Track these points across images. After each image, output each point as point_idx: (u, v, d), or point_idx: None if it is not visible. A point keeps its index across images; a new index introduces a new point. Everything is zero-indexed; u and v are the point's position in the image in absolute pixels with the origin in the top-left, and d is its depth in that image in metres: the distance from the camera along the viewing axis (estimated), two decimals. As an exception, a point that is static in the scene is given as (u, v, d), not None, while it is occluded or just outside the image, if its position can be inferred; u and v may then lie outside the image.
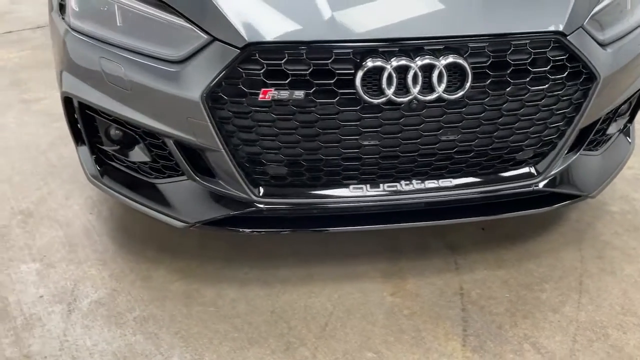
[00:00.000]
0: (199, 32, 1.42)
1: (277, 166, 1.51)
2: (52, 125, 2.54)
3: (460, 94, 1.43)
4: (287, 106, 1.41)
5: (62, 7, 1.67)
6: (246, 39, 1.37)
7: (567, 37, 1.48)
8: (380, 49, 1.40)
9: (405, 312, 1.60)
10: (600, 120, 1.71)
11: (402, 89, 1.41)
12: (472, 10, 1.46)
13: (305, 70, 1.39)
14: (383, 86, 1.39)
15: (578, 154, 1.71)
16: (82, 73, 1.58)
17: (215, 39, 1.40)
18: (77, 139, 1.74)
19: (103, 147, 1.70)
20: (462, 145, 1.53)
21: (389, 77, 1.39)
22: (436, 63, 1.40)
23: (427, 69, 1.40)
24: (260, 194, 1.54)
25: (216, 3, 1.42)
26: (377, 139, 1.48)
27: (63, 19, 1.64)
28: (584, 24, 1.53)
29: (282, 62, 1.38)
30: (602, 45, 1.58)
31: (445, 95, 1.42)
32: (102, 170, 1.71)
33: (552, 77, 1.49)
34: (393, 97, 1.40)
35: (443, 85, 1.41)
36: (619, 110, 1.82)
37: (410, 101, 1.42)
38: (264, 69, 1.38)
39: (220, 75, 1.38)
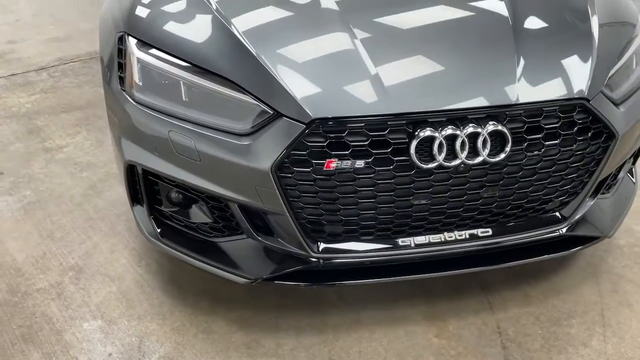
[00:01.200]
0: (265, 107, 1.55)
1: (335, 225, 1.64)
2: (80, 175, 2.62)
3: (502, 157, 1.59)
4: (349, 174, 1.55)
5: (121, 80, 1.77)
6: (311, 115, 1.51)
7: (590, 102, 1.66)
8: (429, 119, 1.55)
9: (452, 353, 1.75)
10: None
11: (451, 154, 1.56)
12: (509, 81, 1.62)
13: (365, 142, 1.53)
14: (434, 153, 1.54)
15: (596, 198, 1.89)
16: (147, 143, 1.68)
17: (281, 114, 1.53)
18: (134, 200, 1.84)
19: (162, 209, 1.80)
20: (501, 200, 1.69)
21: (440, 145, 1.54)
22: (480, 131, 1.56)
23: (473, 136, 1.56)
24: (319, 250, 1.67)
25: (281, 81, 1.55)
26: (427, 199, 1.63)
27: (124, 90, 1.74)
28: (602, 89, 1.72)
29: (344, 134, 1.52)
30: (617, 104, 1.77)
31: (489, 159, 1.58)
32: (161, 230, 1.81)
33: (579, 137, 1.67)
34: (443, 162, 1.55)
35: (487, 150, 1.57)
36: (627, 156, 2.02)
37: (458, 165, 1.57)
38: (327, 141, 1.52)
39: (288, 148, 1.51)
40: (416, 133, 1.53)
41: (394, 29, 1.74)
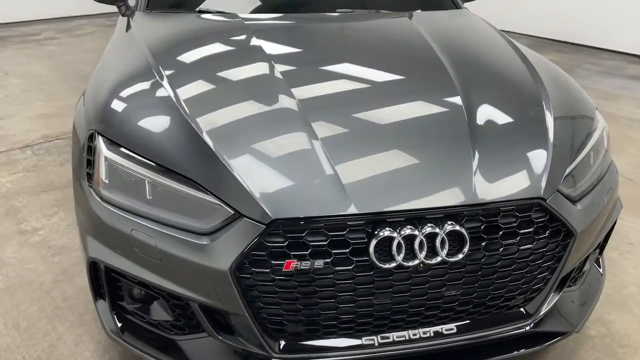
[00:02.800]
0: (226, 207, 1.57)
1: (296, 325, 1.63)
2: (52, 260, 2.61)
3: (461, 256, 1.60)
4: (308, 274, 1.55)
5: (89, 176, 1.80)
6: (271, 215, 1.53)
7: (546, 201, 1.70)
8: (388, 220, 1.58)
9: None
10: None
11: (410, 254, 1.58)
12: (465, 181, 1.66)
13: (324, 242, 1.54)
14: (393, 253, 1.56)
15: (561, 293, 1.90)
16: (110, 241, 1.69)
17: (241, 214, 1.55)
18: (97, 295, 1.83)
19: (124, 304, 1.79)
20: (462, 298, 1.69)
21: (399, 245, 1.56)
22: (438, 231, 1.58)
23: (431, 236, 1.58)
24: (279, 350, 1.65)
25: (242, 182, 1.58)
26: (388, 298, 1.63)
27: (91, 187, 1.77)
28: (558, 187, 1.76)
29: (303, 234, 1.54)
30: (574, 201, 1.81)
31: (448, 259, 1.60)
32: (122, 325, 1.79)
33: (537, 236, 1.69)
34: (402, 262, 1.57)
35: (445, 250, 1.59)
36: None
37: (418, 265, 1.59)
38: (287, 242, 1.54)
39: (248, 249, 1.52)
40: (375, 233, 1.55)
41: (353, 128, 1.80)
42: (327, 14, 2.71)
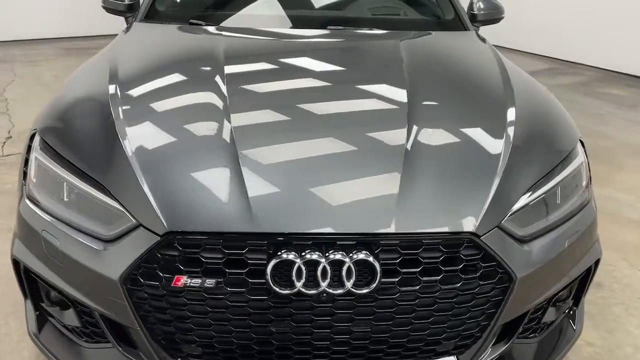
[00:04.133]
0: (129, 215, 1.53)
1: (190, 346, 1.55)
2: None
3: (369, 289, 1.46)
4: (199, 292, 1.47)
5: (25, 174, 1.82)
6: (166, 227, 1.47)
7: (481, 238, 1.52)
8: (293, 242, 1.47)
9: None
10: (532, 311, 1.70)
11: (312, 281, 1.46)
12: (386, 208, 1.52)
13: (220, 260, 1.46)
14: (293, 278, 1.45)
15: (510, 343, 1.69)
16: (28, 241, 1.70)
17: (140, 224, 1.51)
18: (25, 294, 1.83)
19: (43, 306, 1.78)
20: (375, 336, 1.54)
21: (299, 270, 1.45)
22: (345, 260, 1.45)
23: (337, 264, 1.46)
24: None
25: (146, 190, 1.54)
26: (288, 327, 1.51)
27: (24, 185, 1.79)
28: (501, 223, 1.57)
29: (199, 250, 1.47)
30: (523, 241, 1.61)
31: (354, 290, 1.46)
32: (42, 327, 1.78)
33: (465, 276, 1.52)
34: (302, 289, 1.45)
35: (352, 281, 1.45)
36: (557, 297, 1.81)
37: (320, 294, 1.46)
38: (180, 256, 1.47)
39: (139, 259, 1.47)
40: (275, 256, 1.45)
41: (277, 148, 1.71)
42: (315, 31, 2.64)
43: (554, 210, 1.72)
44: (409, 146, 1.69)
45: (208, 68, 2.14)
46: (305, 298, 1.48)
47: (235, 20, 2.73)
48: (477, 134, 1.82)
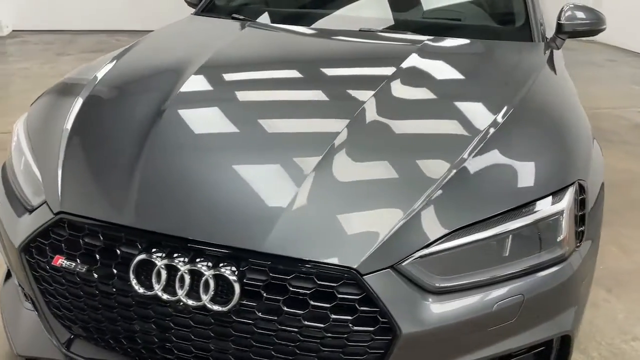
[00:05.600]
0: (43, 190, 1.61)
1: (73, 324, 1.57)
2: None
3: (224, 308, 1.34)
4: (74, 276, 1.49)
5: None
6: (59, 207, 1.52)
7: (363, 276, 1.30)
8: (162, 242, 1.41)
9: None
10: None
11: (171, 288, 1.38)
12: (265, 224, 1.38)
13: (95, 248, 1.46)
14: (153, 280, 1.39)
15: None
16: None
17: (45, 200, 1.57)
18: None
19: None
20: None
21: (158, 273, 1.38)
22: (205, 272, 1.35)
23: (197, 275, 1.36)
24: (63, 343, 1.60)
25: (58, 171, 1.61)
26: (150, 329, 1.45)
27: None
28: (398, 265, 1.33)
29: (81, 234, 1.49)
30: (433, 292, 1.34)
31: (209, 306, 1.35)
32: (7, 282, 1.95)
33: (335, 316, 1.31)
34: (159, 293, 1.39)
35: (209, 295, 1.35)
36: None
37: (177, 302, 1.38)
38: (65, 237, 1.50)
39: (35, 233, 1.53)
40: (139, 254, 1.40)
41: (178, 152, 1.64)
42: (342, 34, 2.47)
43: (495, 263, 1.40)
44: (319, 163, 1.51)
45: (181, 69, 2.09)
46: (163, 304, 1.41)
47: (276, 16, 2.68)
48: (408, 160, 1.56)
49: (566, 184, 1.54)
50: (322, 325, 1.32)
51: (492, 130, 1.64)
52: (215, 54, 2.16)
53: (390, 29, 2.48)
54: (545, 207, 1.47)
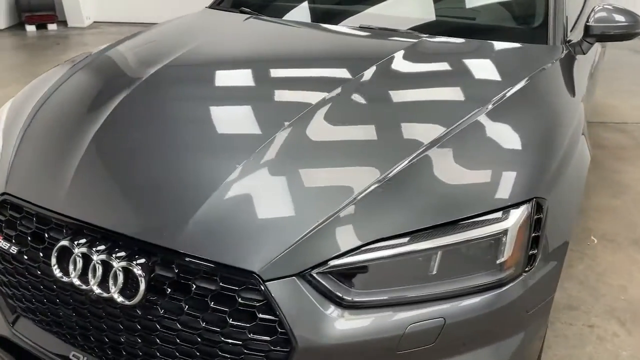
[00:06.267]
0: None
1: (17, 303, 1.61)
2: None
3: (128, 302, 1.32)
4: (8, 255, 1.53)
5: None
6: (4, 188, 1.56)
7: (265, 282, 1.24)
8: (86, 232, 1.41)
9: None
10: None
11: (85, 276, 1.38)
12: (179, 220, 1.34)
13: (28, 230, 1.49)
14: (70, 268, 1.39)
15: None
16: None
17: None
18: None
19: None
20: (145, 357, 1.38)
21: (75, 261, 1.39)
22: (115, 264, 1.34)
23: (108, 267, 1.35)
24: (11, 322, 1.64)
25: (10, 155, 1.67)
26: (72, 314, 1.46)
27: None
28: (306, 274, 1.25)
29: (19, 216, 1.52)
30: (345, 307, 1.25)
31: (116, 298, 1.33)
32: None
33: (233, 321, 1.25)
34: (75, 280, 1.38)
35: (118, 288, 1.33)
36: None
37: (90, 291, 1.38)
38: (6, 218, 1.54)
39: None
40: (64, 240, 1.41)
41: (119, 144, 1.64)
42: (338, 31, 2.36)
43: (419, 281, 1.29)
44: (244, 164, 1.45)
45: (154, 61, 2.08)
46: (79, 292, 1.41)
47: (281, 11, 2.61)
48: (336, 165, 1.46)
49: (518, 200, 1.38)
50: (219, 330, 1.27)
51: (445, 137, 1.51)
52: (193, 49, 2.15)
53: (396, 26, 2.34)
54: (485, 225, 1.33)
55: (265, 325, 1.25)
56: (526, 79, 1.82)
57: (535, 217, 1.39)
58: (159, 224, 1.36)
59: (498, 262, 1.33)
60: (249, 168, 1.44)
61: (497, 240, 1.33)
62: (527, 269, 1.37)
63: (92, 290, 1.37)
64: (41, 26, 7.54)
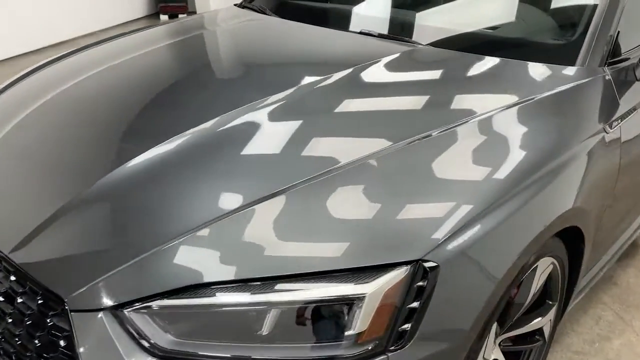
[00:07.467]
0: None
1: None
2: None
3: None
4: None
5: None
6: None
7: (71, 313, 1.12)
8: None
9: None
10: None
11: None
12: (16, 230, 1.27)
13: None
14: None
15: None
16: None
17: None
18: None
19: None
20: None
21: None
22: None
23: None
24: None
25: None
26: None
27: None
28: (118, 310, 1.11)
29: None
30: (155, 354, 1.10)
31: None
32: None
33: (39, 346, 1.15)
34: None
35: None
36: None
37: None
38: None
39: None
40: None
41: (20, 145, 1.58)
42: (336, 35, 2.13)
43: (246, 340, 1.09)
44: (103, 178, 1.33)
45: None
46: None
47: (287, 11, 2.43)
48: (189, 190, 1.28)
49: (392, 261, 1.10)
50: (28, 354, 1.17)
51: (342, 168, 1.26)
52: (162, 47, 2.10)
53: (399, 35, 2.06)
54: (331, 286, 1.07)
55: (65, 357, 1.13)
56: (491, 111, 1.47)
57: (417, 284, 1.10)
58: (6, 232, 1.30)
59: (347, 334, 1.07)
60: (110, 183, 1.32)
61: (348, 306, 1.07)
62: (394, 345, 1.09)
63: None
64: (173, 16, 8.09)
